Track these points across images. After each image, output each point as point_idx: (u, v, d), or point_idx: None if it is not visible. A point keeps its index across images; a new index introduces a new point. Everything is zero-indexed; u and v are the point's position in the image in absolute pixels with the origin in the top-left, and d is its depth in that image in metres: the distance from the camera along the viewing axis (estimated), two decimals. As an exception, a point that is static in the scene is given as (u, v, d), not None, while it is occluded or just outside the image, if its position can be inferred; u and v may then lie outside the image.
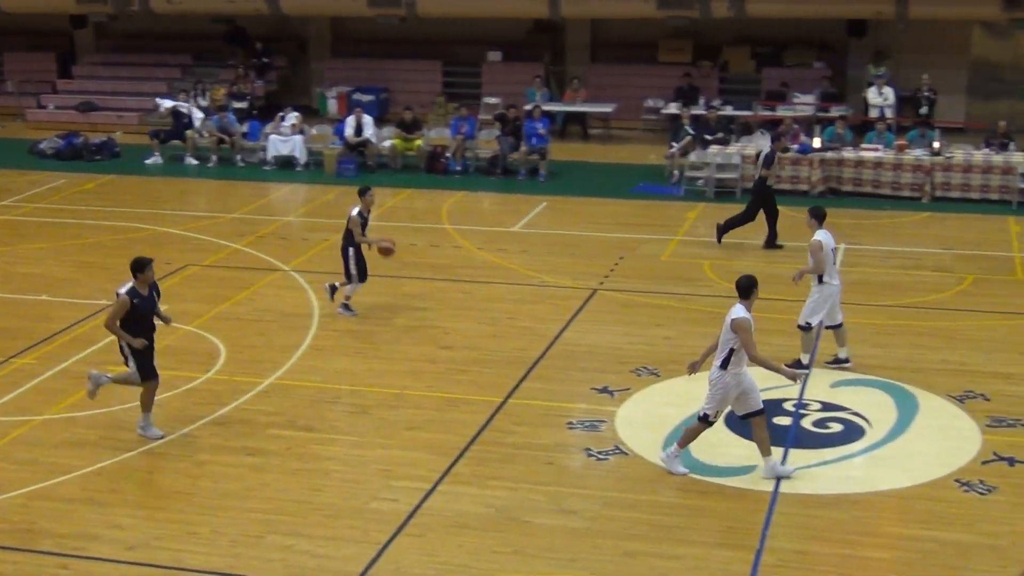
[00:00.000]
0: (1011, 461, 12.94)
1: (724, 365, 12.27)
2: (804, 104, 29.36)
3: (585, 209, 24.07)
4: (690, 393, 13.95)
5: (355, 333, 16.94)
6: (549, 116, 29.05)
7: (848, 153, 25.06)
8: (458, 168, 27.22)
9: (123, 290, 12.99)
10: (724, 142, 26.17)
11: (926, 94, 28.72)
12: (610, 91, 31.39)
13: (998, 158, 24.44)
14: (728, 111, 29.21)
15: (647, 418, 14.03)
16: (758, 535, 11.45)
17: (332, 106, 32.67)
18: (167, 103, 29.45)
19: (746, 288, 12.48)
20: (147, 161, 28.31)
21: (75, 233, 22.18)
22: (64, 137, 29.47)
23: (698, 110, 28.48)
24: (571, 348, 16.33)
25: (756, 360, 12.26)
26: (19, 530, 11.52)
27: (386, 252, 17.57)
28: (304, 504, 12.00)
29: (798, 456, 13.04)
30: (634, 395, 14.67)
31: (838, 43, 31.54)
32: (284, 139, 27.86)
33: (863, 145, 25.61)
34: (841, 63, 31.56)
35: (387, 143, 27.98)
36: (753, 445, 12.58)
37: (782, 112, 28.60)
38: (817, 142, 25.27)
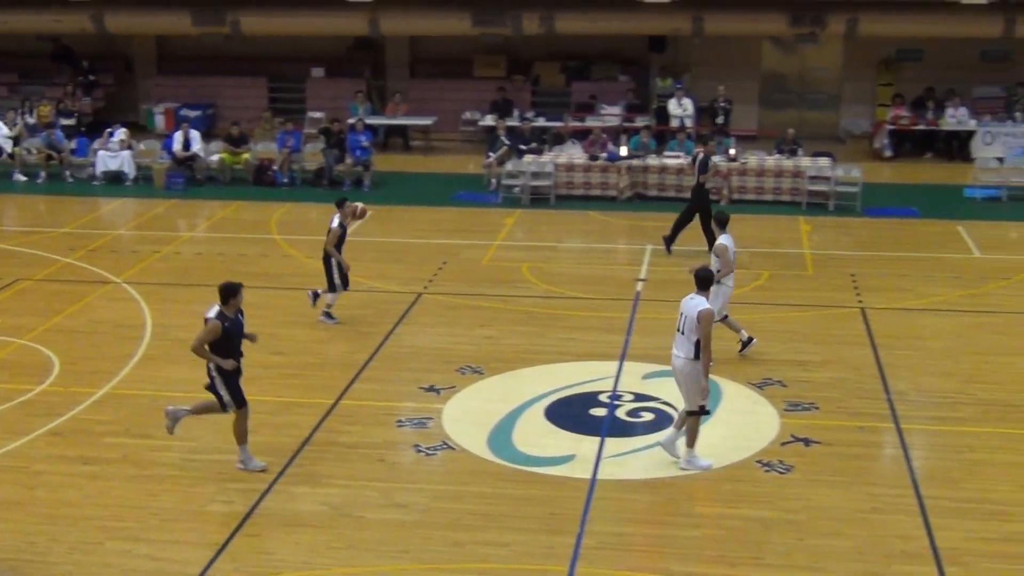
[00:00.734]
0: (807, 442, 13.38)
1: (696, 356, 12.31)
2: (611, 115, 29.84)
3: (409, 217, 24.04)
4: (512, 390, 14.09)
5: (188, 342, 16.53)
6: (372, 129, 28.92)
7: (652, 160, 25.55)
8: (285, 180, 26.91)
9: (211, 314, 12.37)
10: (538, 152, 26.44)
11: (722, 104, 29.41)
12: (429, 105, 31.43)
13: (788, 163, 25.21)
14: (541, 122, 29.51)
15: (472, 414, 14.07)
16: (579, 520, 11.60)
17: (160, 122, 31.96)
18: None
19: (706, 280, 12.58)
20: (-26, 178, 27.31)
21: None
22: None
23: (513, 122, 28.69)
24: (399, 350, 16.31)
25: (708, 351, 12.31)
26: None
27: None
28: (142, 509, 11.72)
29: (614, 445, 13.25)
30: (459, 392, 14.72)
31: (641, 58, 32.18)
32: (112, 155, 27.17)
33: (666, 152, 26.15)
34: (644, 76, 32.20)
35: (215, 157, 27.50)
36: (572, 436, 12.73)
37: (591, 123, 29.01)
38: (624, 150, 25.71)
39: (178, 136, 27.28)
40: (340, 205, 17.35)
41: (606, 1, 28.25)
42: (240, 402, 12.46)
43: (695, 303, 12.39)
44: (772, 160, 25.38)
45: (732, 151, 25.45)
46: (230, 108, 32.33)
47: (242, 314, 12.62)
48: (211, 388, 12.46)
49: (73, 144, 28.05)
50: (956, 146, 29.46)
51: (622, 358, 15.70)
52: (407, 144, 31.34)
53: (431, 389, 14.83)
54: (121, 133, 27.49)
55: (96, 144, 27.68)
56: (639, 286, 19.01)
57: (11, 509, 11.76)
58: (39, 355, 15.96)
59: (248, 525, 11.48)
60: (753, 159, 25.42)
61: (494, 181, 26.16)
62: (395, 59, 33.28)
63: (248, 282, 19.17)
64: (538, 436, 13.42)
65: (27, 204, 26.15)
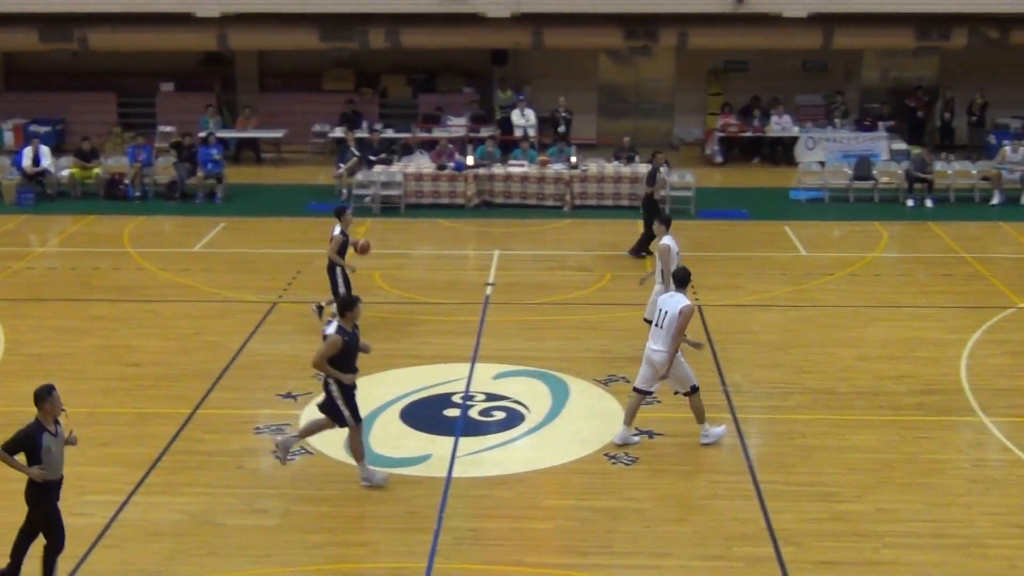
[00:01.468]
0: (650, 434, 13.59)
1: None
2: (457, 126, 29.86)
3: (262, 228, 23.70)
4: (368, 394, 13.95)
5: (42, 357, 16.09)
6: (223, 142, 28.43)
7: (498, 169, 25.67)
8: (137, 194, 26.27)
9: (330, 330, 11.93)
10: (387, 162, 26.32)
11: (563, 114, 29.69)
12: (280, 117, 31.04)
13: (626, 169, 25.55)
14: (389, 133, 29.38)
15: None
16: (435, 517, 11.60)
17: (8, 138, 30.91)
18: None
19: (683, 280, 13.07)
20: None
21: None
22: None
23: (362, 133, 28.51)
24: (255, 358, 16.06)
25: (678, 340, 12.77)
26: None
27: (364, 249, 16.82)
28: (-2, 526, 11.32)
29: (468, 443, 13.28)
30: (315, 398, 14.54)
31: (484, 70, 32.29)
32: (-40, 171, 26.20)
33: (510, 161, 26.30)
34: (488, 88, 32.32)
35: (65, 172, 26.72)
36: (427, 437, 12.70)
37: (438, 133, 29.00)
38: (470, 160, 25.79)
39: (27, 152, 26.43)
40: (340, 214, 16.97)
41: (449, 16, 28.29)
42: (359, 418, 12.17)
43: (675, 300, 12.90)
44: (611, 167, 25.69)
45: (573, 159, 25.72)
46: (80, 123, 31.41)
47: (357, 328, 12.26)
48: (328, 406, 12.13)
49: (-81, 161, 26.94)
50: (781, 151, 30.27)
51: (473, 360, 15.73)
52: (259, 156, 30.88)
53: (288, 396, 14.65)
54: (-32, 150, 26.54)
55: (-57, 161, 26.65)
56: (488, 290, 19.08)
57: None
58: None
59: (107, 537, 11.19)
60: (593, 167, 25.70)
61: (345, 191, 25.97)
62: (245, 73, 32.78)
63: (102, 295, 18.84)
64: (394, 438, 13.37)
65: None
